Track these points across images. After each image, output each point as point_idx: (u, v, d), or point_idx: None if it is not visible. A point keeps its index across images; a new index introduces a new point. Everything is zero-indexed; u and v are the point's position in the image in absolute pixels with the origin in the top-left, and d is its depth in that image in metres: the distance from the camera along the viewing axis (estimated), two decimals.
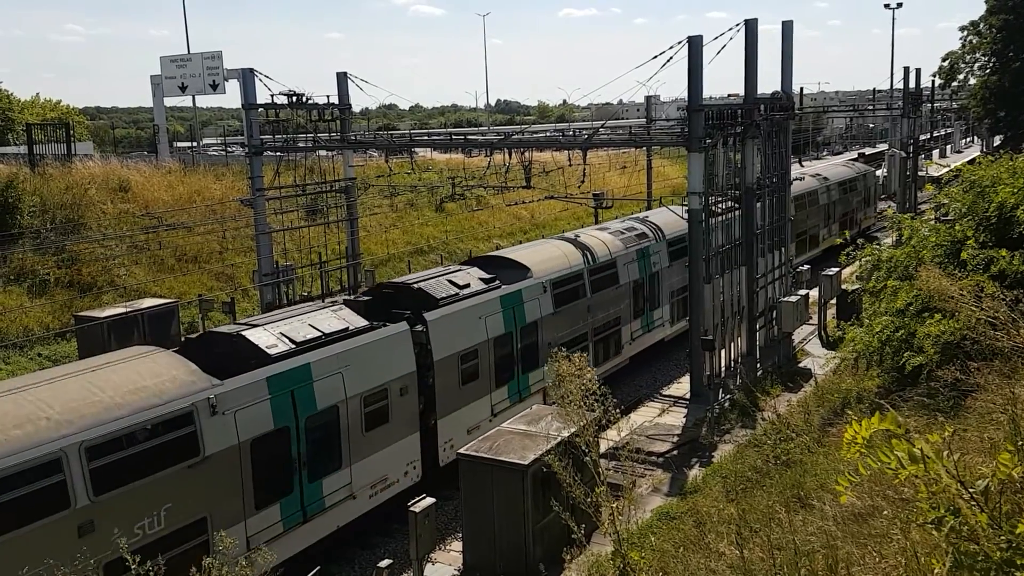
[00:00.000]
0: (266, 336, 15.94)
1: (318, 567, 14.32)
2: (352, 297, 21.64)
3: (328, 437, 16.19)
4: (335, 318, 17.40)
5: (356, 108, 55.07)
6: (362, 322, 17.68)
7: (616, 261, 25.96)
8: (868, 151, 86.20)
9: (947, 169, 26.36)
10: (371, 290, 22.06)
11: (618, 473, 15.56)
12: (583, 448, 11.93)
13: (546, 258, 23.86)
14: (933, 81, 52.26)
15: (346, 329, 17.14)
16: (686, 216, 29.98)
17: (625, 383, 26.11)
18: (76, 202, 35.86)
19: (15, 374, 25.25)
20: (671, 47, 22.25)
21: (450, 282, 20.59)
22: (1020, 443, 4.36)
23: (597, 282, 24.90)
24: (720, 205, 23.81)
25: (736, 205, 24.50)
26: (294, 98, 28.47)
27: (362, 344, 17.10)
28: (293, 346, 15.89)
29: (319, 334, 16.53)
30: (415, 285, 20.10)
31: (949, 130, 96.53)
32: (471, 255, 36.12)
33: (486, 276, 21.58)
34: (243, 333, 15.93)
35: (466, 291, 20.55)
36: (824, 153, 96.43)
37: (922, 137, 60.17)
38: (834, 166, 52.56)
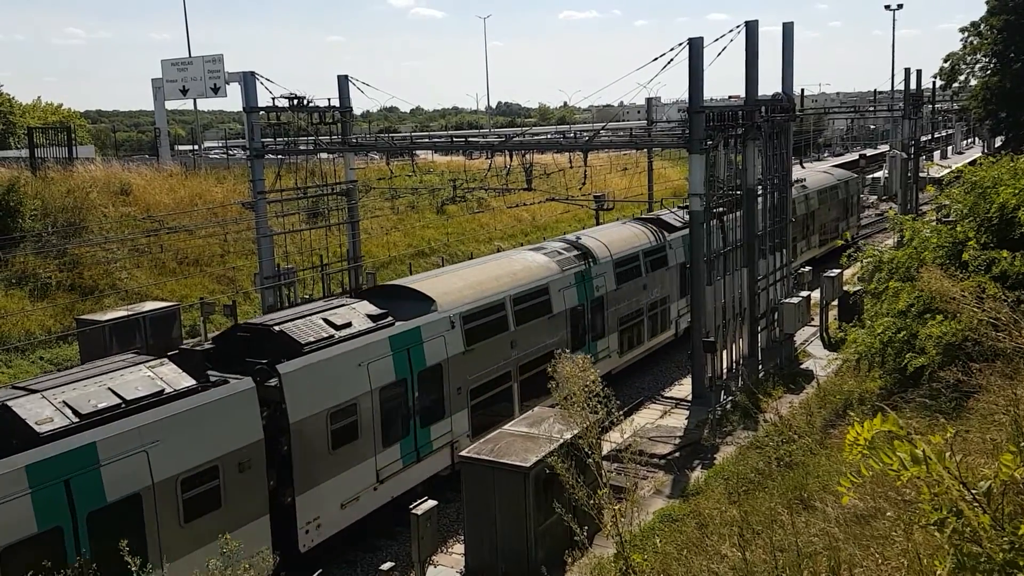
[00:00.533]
0: (40, 407, 12.57)
1: (320, 570, 14.33)
2: (195, 344, 18.46)
3: (124, 536, 11.88)
4: (148, 377, 13.91)
5: (357, 111, 55.28)
6: (187, 381, 14.16)
7: (548, 286, 23.05)
8: (869, 152, 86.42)
9: (948, 170, 26.37)
10: (224, 334, 18.30)
11: (620, 475, 15.58)
12: (585, 450, 11.92)
13: (457, 287, 20.93)
14: (934, 82, 52.30)
15: (160, 392, 13.65)
16: (637, 231, 28.63)
17: (627, 385, 26.12)
18: (77, 205, 35.94)
19: (17, 377, 25.30)
20: (672, 49, 22.29)
21: (325, 321, 17.39)
22: (1022, 444, 4.36)
23: (524, 312, 22.01)
24: (721, 207, 23.78)
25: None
26: (295, 101, 28.52)
27: (182, 411, 13.63)
28: (75, 420, 12.55)
29: (117, 402, 13.10)
30: (276, 327, 16.68)
31: (950, 131, 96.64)
32: (471, 256, 36.14)
33: (375, 312, 18.43)
34: (9, 403, 12.49)
35: (344, 332, 17.29)
36: (825, 154, 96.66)
37: (923, 138, 60.17)
38: (813, 172, 49.18)
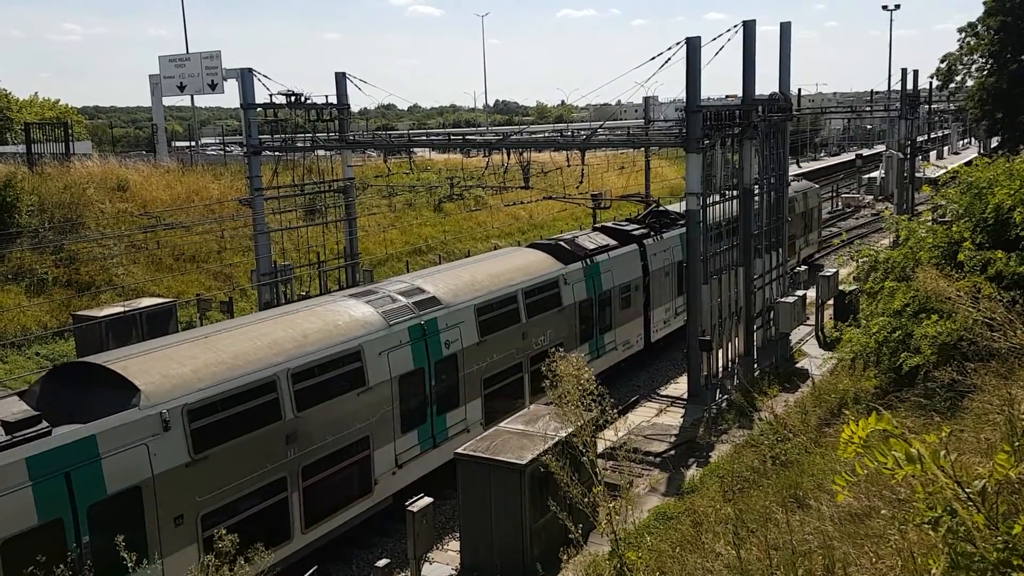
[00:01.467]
0: None
1: (315, 567, 14.34)
2: None
3: None
4: None
5: (355, 108, 55.07)
6: None
7: (362, 350, 17.04)
8: (866, 152, 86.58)
9: (944, 170, 26.45)
10: None
11: (615, 473, 15.58)
12: (581, 448, 11.95)
13: (192, 364, 14.43)
14: (931, 82, 52.53)
15: None
16: (519, 263, 23.43)
17: (623, 383, 26.12)
18: (74, 201, 35.87)
19: (13, 373, 25.26)
20: (669, 48, 22.29)
21: None
22: (1017, 444, 4.38)
23: (315, 389, 15.95)
24: (717, 206, 23.78)
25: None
26: (292, 98, 28.51)
27: None
28: None
29: None
30: None
31: (946, 131, 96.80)
32: (469, 254, 36.04)
33: (17, 416, 12.13)
34: None
35: None
36: (822, 154, 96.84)
37: (920, 138, 60.28)
38: None
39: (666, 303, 29.08)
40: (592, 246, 25.66)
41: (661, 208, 31.78)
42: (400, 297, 19.16)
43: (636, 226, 28.99)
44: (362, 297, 18.88)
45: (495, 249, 34.13)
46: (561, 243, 25.41)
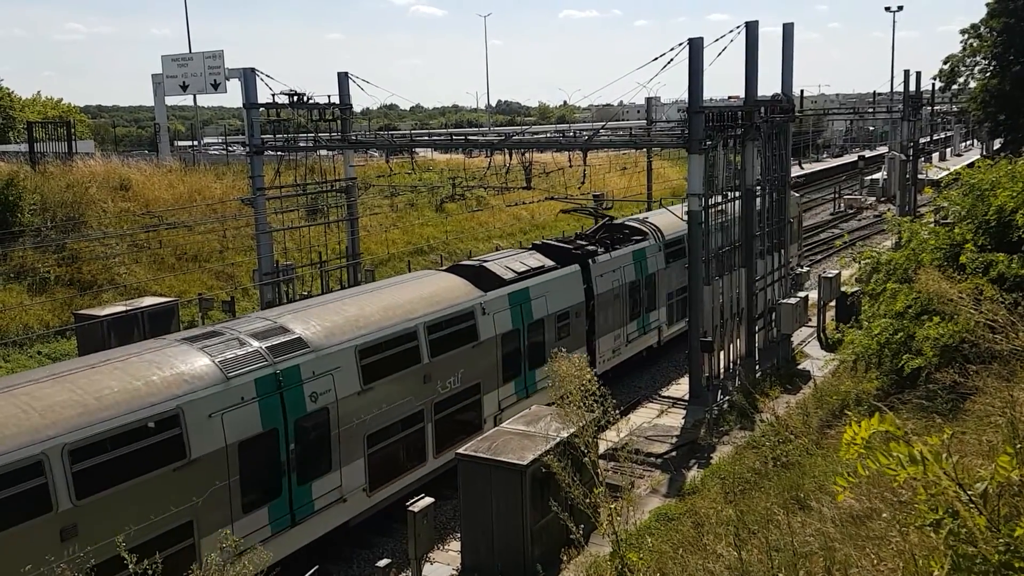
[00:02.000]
0: None
1: (316, 566, 14.33)
2: None
3: None
4: None
5: (357, 108, 55.27)
6: None
7: (181, 413, 13.59)
8: (868, 154, 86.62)
9: (947, 172, 26.43)
10: None
11: (617, 474, 15.58)
12: (582, 449, 11.94)
13: None
14: (933, 84, 52.39)
15: None
16: (426, 292, 19.96)
17: (624, 384, 26.11)
18: (77, 200, 35.93)
19: (15, 372, 25.29)
20: (672, 49, 22.31)
21: None
22: (1019, 446, 4.37)
23: (103, 469, 12.62)
24: (720, 207, 23.77)
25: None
26: (295, 98, 28.55)
27: None
28: None
29: None
30: None
31: (949, 133, 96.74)
32: (470, 255, 35.95)
33: None
34: None
35: None
36: (824, 155, 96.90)
37: (922, 140, 60.25)
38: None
39: (616, 330, 25.88)
40: (522, 268, 22.50)
41: (616, 221, 29.08)
42: (251, 340, 15.52)
43: (583, 243, 25.99)
44: (199, 342, 15.19)
45: (496, 250, 33.97)
46: (484, 266, 22.10)
